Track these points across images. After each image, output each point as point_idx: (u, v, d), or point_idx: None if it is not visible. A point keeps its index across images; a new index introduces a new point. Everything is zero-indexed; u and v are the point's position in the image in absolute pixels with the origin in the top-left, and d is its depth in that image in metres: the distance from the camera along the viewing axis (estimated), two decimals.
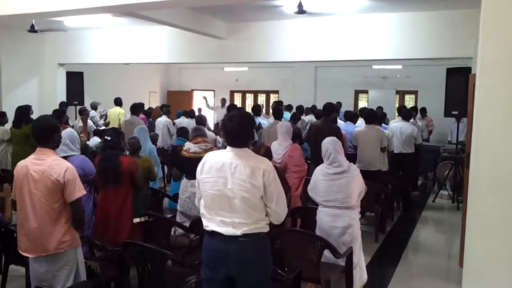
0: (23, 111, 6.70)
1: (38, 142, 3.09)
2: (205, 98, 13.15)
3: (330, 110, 6.54)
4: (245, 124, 2.78)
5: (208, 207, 2.76)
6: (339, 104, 10.67)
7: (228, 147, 2.78)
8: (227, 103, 13.22)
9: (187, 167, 4.54)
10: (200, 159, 4.33)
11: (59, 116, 6.75)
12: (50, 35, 9.55)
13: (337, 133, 5.98)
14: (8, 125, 7.11)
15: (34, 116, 6.89)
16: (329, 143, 3.94)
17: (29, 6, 5.66)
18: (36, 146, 3.12)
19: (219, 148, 5.80)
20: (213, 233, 2.71)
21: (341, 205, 3.84)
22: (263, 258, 2.76)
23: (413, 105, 11.57)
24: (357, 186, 3.87)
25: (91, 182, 4.18)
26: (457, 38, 7.06)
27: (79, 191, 3.03)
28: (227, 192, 2.67)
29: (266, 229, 2.75)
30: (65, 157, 3.64)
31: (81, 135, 6.64)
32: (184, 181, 4.69)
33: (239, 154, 2.71)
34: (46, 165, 2.98)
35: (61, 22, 8.73)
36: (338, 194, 3.83)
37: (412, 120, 8.41)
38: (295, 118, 8.36)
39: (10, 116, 7.16)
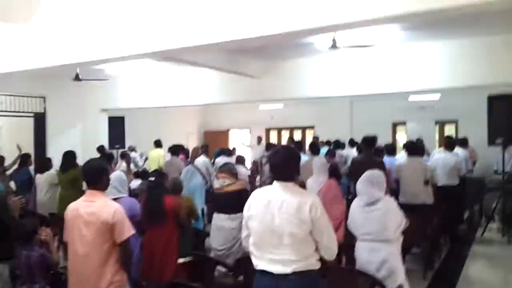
0: (70, 156, 6.94)
1: (88, 183, 3.21)
2: (243, 143, 13.63)
3: (372, 142, 6.49)
4: (291, 158, 2.80)
5: (257, 245, 2.74)
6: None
7: (274, 182, 2.79)
8: (263, 141, 13.36)
9: (214, 202, 4.92)
10: (221, 193, 4.55)
11: (108, 160, 6.96)
12: (93, 82, 10.02)
13: (380, 166, 5.89)
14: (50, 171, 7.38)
15: (78, 160, 7.14)
16: (362, 177, 3.90)
17: (73, 56, 5.96)
18: (81, 190, 3.23)
19: (249, 182, 5.93)
20: (263, 272, 2.69)
21: (378, 238, 3.75)
22: None
23: (455, 135, 11.28)
24: (394, 218, 3.77)
25: (138, 223, 4.25)
26: (498, 64, 6.89)
27: (128, 231, 3.10)
28: (274, 228, 2.65)
29: (317, 266, 2.70)
30: (114, 199, 3.74)
31: (129, 176, 6.89)
32: (214, 215, 4.86)
33: (285, 189, 2.71)
34: (96, 207, 3.08)
35: (103, 70, 9.16)
36: (374, 226, 3.75)
37: (455, 150, 8.18)
38: (331, 153, 8.32)
39: (54, 161, 7.48)
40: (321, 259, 2.73)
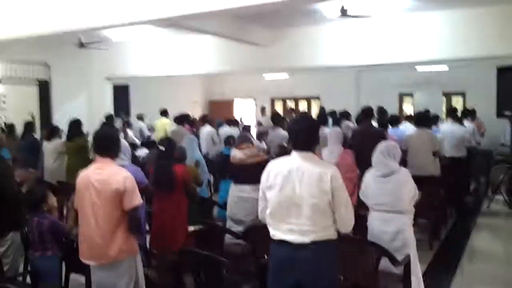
0: (76, 125, 6.89)
1: (99, 151, 3.17)
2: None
3: (370, 113, 6.48)
4: (310, 128, 2.77)
5: (274, 215, 2.72)
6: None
7: (293, 152, 2.75)
8: (268, 112, 13.27)
9: (235, 173, 4.69)
10: (247, 164, 4.44)
11: None
12: (97, 50, 9.90)
13: (382, 136, 5.87)
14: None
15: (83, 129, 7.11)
16: (378, 148, 3.88)
17: (75, 22, 5.84)
18: (88, 158, 3.19)
19: (267, 154, 5.85)
20: (281, 241, 2.68)
21: (392, 209, 3.75)
22: (332, 265, 2.71)
23: (462, 107, 11.17)
24: (409, 189, 3.78)
25: (142, 191, 4.25)
26: (508, 35, 6.76)
27: (137, 199, 3.10)
28: (295, 198, 2.64)
29: (335, 236, 2.70)
30: None
31: None
32: (232, 186, 4.76)
33: (306, 159, 2.69)
34: (107, 174, 3.06)
35: (109, 38, 9.03)
36: (388, 197, 3.75)
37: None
38: (338, 123, 8.24)
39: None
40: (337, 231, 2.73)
